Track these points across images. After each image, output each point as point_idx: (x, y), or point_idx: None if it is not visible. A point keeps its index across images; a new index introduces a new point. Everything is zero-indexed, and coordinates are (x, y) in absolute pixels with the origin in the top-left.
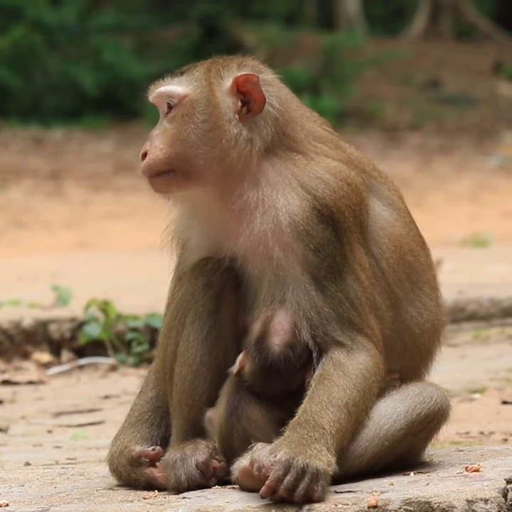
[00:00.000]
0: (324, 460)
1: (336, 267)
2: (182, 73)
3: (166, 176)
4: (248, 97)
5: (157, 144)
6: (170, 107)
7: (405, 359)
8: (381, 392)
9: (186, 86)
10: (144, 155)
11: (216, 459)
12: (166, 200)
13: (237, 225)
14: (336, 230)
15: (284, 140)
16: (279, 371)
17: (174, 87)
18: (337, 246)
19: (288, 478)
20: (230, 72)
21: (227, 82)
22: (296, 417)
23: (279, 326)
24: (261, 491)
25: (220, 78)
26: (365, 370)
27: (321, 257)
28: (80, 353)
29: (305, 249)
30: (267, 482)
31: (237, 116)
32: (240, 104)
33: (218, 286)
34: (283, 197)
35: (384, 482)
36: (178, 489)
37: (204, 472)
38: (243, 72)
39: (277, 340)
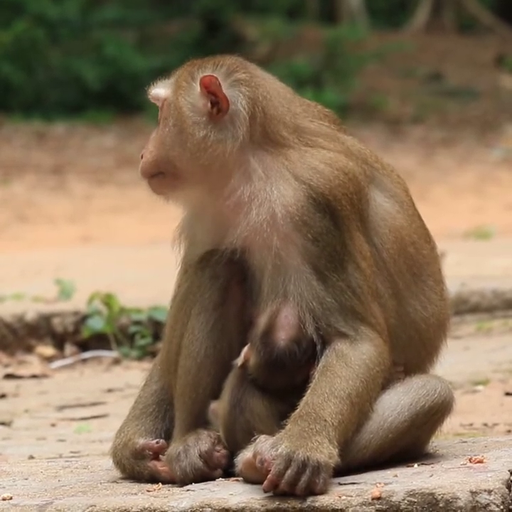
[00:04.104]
0: (326, 452)
1: (336, 255)
2: (171, 76)
3: (157, 178)
4: (217, 98)
5: (149, 146)
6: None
7: (410, 353)
8: (386, 384)
9: (166, 89)
10: (142, 157)
11: (219, 448)
12: (164, 200)
13: (234, 217)
14: (334, 219)
15: (270, 137)
16: (284, 366)
17: (158, 90)
18: (336, 235)
19: (289, 472)
20: (201, 75)
21: (198, 84)
22: (298, 410)
23: (285, 320)
24: (263, 486)
25: (192, 81)
26: (368, 361)
27: (321, 246)
28: (84, 346)
29: (304, 240)
30: (269, 476)
31: (207, 118)
32: (209, 105)
33: (224, 279)
34: (276, 189)
35: (388, 474)
36: (184, 481)
37: (208, 461)
38: (206, 74)
39: (283, 335)
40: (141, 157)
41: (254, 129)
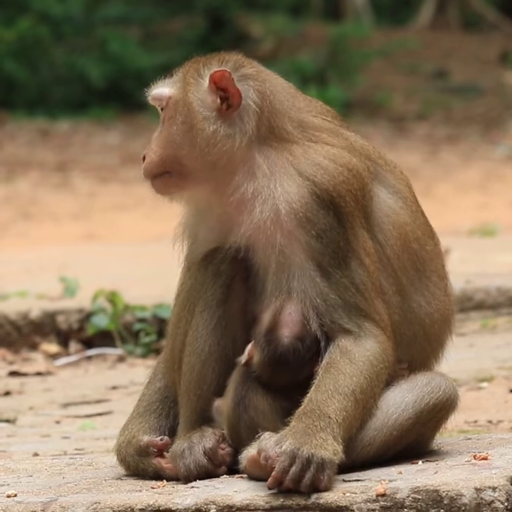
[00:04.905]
0: (330, 449)
1: (339, 252)
2: (173, 74)
3: (162, 178)
4: (227, 93)
5: (153, 146)
6: (162, 110)
7: (415, 350)
8: (390, 381)
9: (171, 87)
10: (144, 158)
11: (223, 445)
12: (168, 200)
13: (237, 215)
14: (338, 215)
15: (275, 132)
16: (287, 363)
17: (161, 89)
18: (340, 231)
19: (293, 469)
20: (210, 70)
21: (206, 80)
22: (302, 407)
23: (289, 317)
24: (267, 483)
25: (200, 77)
26: (372, 357)
27: (324, 243)
28: (88, 343)
29: (307, 236)
30: (273, 473)
31: (216, 114)
32: (218, 100)
33: (228, 276)
34: (280, 186)
35: (392, 471)
36: (189, 478)
37: (212, 458)
38: (217, 69)
39: (287, 332)
40: (143, 158)
41: (261, 123)
